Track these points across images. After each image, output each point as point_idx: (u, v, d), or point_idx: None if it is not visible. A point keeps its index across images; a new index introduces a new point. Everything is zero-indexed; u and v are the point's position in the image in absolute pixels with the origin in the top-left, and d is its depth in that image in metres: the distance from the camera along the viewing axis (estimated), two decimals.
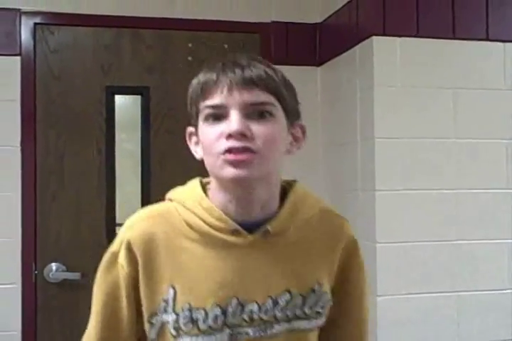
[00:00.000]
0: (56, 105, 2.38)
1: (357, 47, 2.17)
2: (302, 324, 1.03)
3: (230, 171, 0.94)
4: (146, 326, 1.02)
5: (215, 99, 0.95)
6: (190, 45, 2.47)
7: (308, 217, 1.06)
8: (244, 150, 0.93)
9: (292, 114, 1.02)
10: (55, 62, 2.39)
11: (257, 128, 0.95)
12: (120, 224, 2.45)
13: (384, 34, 2.05)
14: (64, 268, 2.33)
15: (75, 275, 2.30)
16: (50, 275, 2.31)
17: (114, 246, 1.06)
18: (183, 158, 2.48)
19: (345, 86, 2.26)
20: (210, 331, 0.98)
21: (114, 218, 2.41)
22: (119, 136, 2.45)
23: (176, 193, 1.08)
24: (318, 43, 2.54)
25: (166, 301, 0.99)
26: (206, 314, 0.97)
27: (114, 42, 2.43)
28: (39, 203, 2.34)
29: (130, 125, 2.48)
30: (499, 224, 2.12)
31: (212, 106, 0.96)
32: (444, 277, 2.07)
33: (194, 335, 0.98)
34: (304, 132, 1.06)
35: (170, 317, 0.99)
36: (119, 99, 2.46)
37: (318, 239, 1.06)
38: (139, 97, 2.46)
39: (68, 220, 2.37)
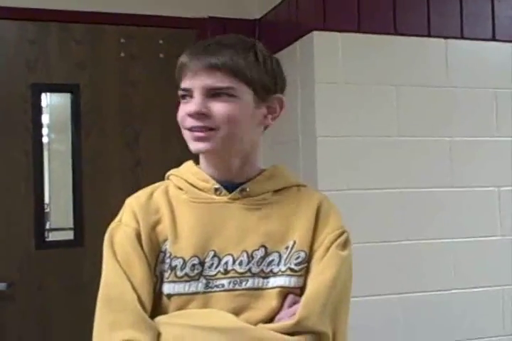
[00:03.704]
0: None
1: (297, 43, 2.10)
2: (279, 280, 1.08)
3: (192, 145, 1.10)
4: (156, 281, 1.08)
5: (185, 83, 1.10)
6: (122, 40, 2.35)
7: (285, 185, 1.17)
8: (203, 128, 1.07)
9: (264, 90, 1.12)
10: None
11: (215, 107, 1.07)
12: (51, 229, 2.36)
13: (324, 29, 1.99)
14: None
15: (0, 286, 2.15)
16: None
17: (117, 217, 1.14)
18: (116, 158, 2.41)
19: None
20: (187, 278, 1.06)
21: (43, 224, 2.26)
22: (49, 136, 2.30)
23: (172, 170, 1.22)
24: (257, 39, 2.43)
25: (164, 252, 1.09)
26: (184, 262, 1.07)
27: (39, 37, 2.28)
28: None
29: (60, 125, 2.34)
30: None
31: (183, 89, 1.11)
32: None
33: (172, 282, 1.06)
34: (280, 104, 1.17)
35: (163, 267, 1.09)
36: (48, 98, 2.31)
37: (296, 205, 1.14)
38: (68, 95, 2.32)
39: None
